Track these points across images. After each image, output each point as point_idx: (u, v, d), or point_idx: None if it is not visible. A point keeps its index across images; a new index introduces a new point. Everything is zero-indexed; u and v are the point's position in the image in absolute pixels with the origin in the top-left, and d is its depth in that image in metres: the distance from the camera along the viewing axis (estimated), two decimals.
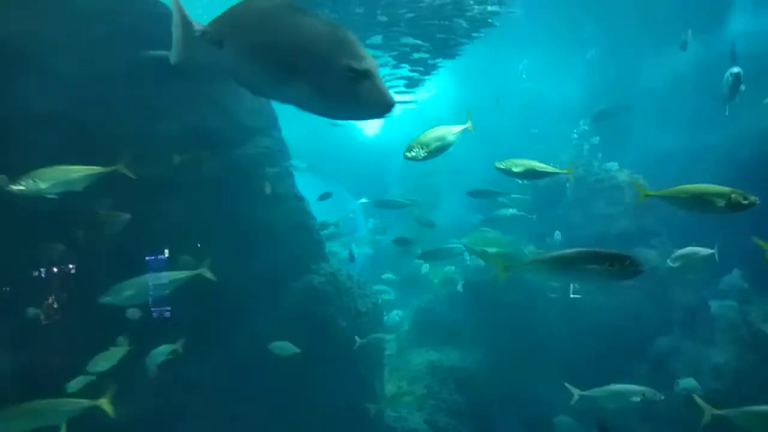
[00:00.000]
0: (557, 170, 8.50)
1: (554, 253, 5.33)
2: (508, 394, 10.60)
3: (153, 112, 7.50)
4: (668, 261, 9.25)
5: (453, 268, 13.70)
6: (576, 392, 7.80)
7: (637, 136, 16.03)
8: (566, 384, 7.96)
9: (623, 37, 15.42)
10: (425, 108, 20.70)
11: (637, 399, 7.54)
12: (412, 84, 16.23)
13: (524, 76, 17.43)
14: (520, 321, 11.47)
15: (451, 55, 14.41)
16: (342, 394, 8.56)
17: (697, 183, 6.03)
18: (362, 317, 9.01)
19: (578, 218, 13.74)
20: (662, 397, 7.75)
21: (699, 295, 11.98)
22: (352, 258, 13.29)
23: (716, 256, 8.74)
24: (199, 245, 7.61)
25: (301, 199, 9.30)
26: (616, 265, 4.79)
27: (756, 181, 11.55)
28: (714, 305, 12.07)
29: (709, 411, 6.09)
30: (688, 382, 9.43)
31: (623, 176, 13.89)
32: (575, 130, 15.84)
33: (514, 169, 7.80)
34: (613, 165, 14.34)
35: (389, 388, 10.44)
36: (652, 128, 15.87)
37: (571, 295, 9.89)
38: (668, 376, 10.10)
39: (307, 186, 11.82)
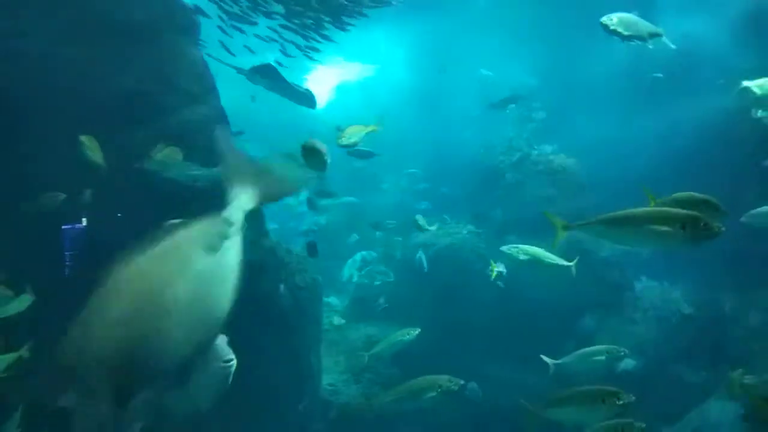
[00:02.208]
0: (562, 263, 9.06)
1: (621, 213, 4.81)
2: (442, 367, 10.87)
3: (83, 72, 7.08)
4: None
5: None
6: (551, 362, 8.17)
7: (576, 121, 16.52)
8: (542, 356, 8.30)
9: (565, 25, 15.76)
10: (375, 84, 20.69)
11: (603, 357, 7.98)
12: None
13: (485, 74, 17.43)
14: (456, 298, 11.78)
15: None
16: (278, 368, 8.52)
17: (629, 173, 6.27)
18: (301, 292, 8.96)
19: (516, 200, 14.10)
20: (626, 352, 8.29)
21: (624, 275, 12.63)
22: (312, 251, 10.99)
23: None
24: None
25: None
26: (689, 227, 4.41)
27: (689, 170, 12.48)
28: (639, 285, 12.78)
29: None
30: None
31: (559, 160, 14.36)
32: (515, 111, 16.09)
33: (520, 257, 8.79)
34: (548, 148, 14.78)
35: (326, 362, 10.51)
36: (591, 114, 16.39)
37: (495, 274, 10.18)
38: None
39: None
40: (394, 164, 18.22)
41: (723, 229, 4.37)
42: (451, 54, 17.64)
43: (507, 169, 14.60)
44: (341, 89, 23.31)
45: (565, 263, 9.23)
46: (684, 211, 4.53)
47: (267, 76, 11.22)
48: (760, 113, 10.04)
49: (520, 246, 9.48)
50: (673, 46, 6.39)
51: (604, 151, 14.79)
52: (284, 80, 11.29)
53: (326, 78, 21.78)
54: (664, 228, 4.44)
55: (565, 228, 5.25)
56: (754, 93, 8.48)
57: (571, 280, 11.79)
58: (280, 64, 12.31)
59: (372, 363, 10.54)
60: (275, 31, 12.47)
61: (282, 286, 8.52)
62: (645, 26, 6.69)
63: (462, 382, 7.80)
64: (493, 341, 11.23)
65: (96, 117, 6.98)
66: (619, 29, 6.49)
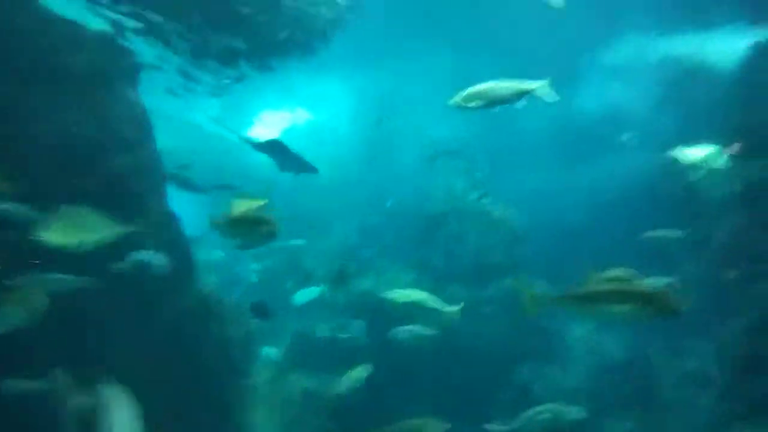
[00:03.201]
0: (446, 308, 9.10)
1: (585, 289, 4.83)
2: (382, 420, 10.68)
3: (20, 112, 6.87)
4: None
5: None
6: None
7: (514, 174, 17.14)
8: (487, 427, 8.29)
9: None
10: (322, 131, 20.90)
11: (548, 416, 8.06)
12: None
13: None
14: (396, 348, 11.69)
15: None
16: (207, 424, 8.15)
17: (563, 225, 6.37)
18: (232, 343, 8.68)
19: (457, 249, 14.38)
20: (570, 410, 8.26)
21: (557, 324, 12.96)
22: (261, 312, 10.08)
23: None
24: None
25: (171, 215, 8.85)
26: (650, 305, 4.50)
27: (617, 220, 13.20)
28: (571, 333, 13.12)
29: None
30: None
31: (498, 211, 14.82)
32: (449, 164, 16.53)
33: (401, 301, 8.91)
34: (487, 199, 15.24)
35: (259, 417, 10.11)
36: (529, 167, 17.05)
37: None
38: (531, 402, 10.73)
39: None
40: (341, 210, 18.31)
41: (685, 306, 4.50)
42: (394, 105, 18.12)
43: (448, 218, 14.93)
44: (288, 133, 23.43)
45: (448, 308, 9.24)
46: (649, 288, 4.65)
47: (274, 150, 11.14)
48: (690, 177, 10.68)
49: (401, 290, 9.50)
50: (554, 99, 6.10)
51: (540, 203, 15.39)
52: (291, 153, 11.20)
53: (274, 122, 21.91)
54: (630, 306, 4.52)
55: (534, 300, 5.19)
56: (685, 160, 9.20)
57: (507, 330, 12.04)
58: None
59: (308, 417, 10.25)
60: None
61: (211, 337, 8.26)
62: (509, 88, 6.34)
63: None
64: (432, 392, 11.16)
65: (30, 161, 6.79)
66: (470, 104, 6.34)
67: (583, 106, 15.15)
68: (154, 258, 7.30)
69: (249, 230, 5.40)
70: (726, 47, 12.59)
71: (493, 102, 6.33)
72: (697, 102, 12.80)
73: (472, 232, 14.64)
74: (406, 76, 16.60)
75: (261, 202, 5.85)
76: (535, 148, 16.58)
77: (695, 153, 9.29)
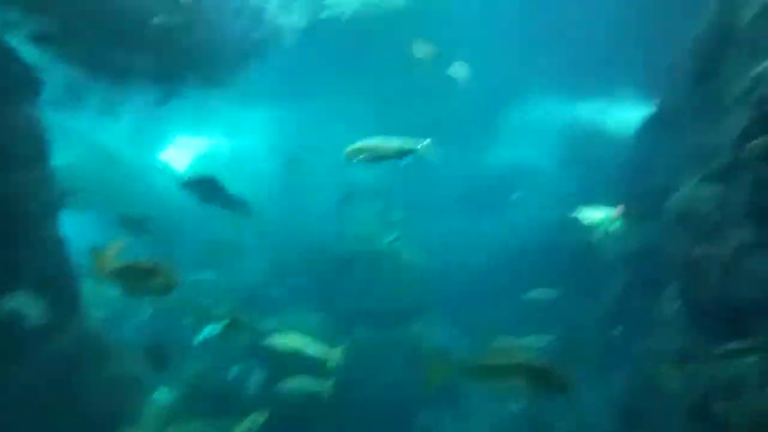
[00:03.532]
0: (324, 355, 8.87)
1: (489, 361, 4.92)
2: None
3: None
4: None
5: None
6: None
7: (427, 218, 17.46)
8: None
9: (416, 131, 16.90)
10: (238, 162, 20.43)
11: None
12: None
13: None
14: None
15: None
16: None
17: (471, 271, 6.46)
18: (118, 389, 8.02)
19: (365, 292, 14.32)
20: None
21: None
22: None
23: None
24: None
25: (60, 242, 8.17)
26: (545, 381, 4.67)
27: (521, 271, 13.76)
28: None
29: None
30: None
31: (408, 255, 14.97)
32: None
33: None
34: (401, 243, 15.36)
35: None
36: (442, 212, 17.43)
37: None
38: None
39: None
40: (252, 244, 17.78)
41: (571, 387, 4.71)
42: (314, 141, 18.10)
43: (360, 260, 14.88)
44: (203, 161, 22.79)
45: (330, 355, 9.09)
46: (544, 366, 4.76)
47: (206, 188, 10.23)
48: (588, 236, 11.28)
49: (284, 336, 9.25)
50: (437, 158, 6.39)
51: (450, 250, 15.75)
52: (224, 191, 10.36)
53: (190, 147, 21.31)
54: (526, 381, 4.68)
55: (438, 369, 5.29)
56: (585, 220, 9.76)
57: (409, 375, 11.98)
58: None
59: None
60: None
61: (94, 381, 7.58)
62: (392, 146, 6.58)
63: None
64: None
65: None
66: (355, 158, 6.58)
67: (494, 161, 15.88)
68: (28, 306, 6.62)
69: (138, 282, 4.61)
70: (624, 116, 13.71)
71: (377, 158, 6.55)
72: (595, 164, 13.72)
73: (382, 275, 14.67)
74: (327, 113, 16.68)
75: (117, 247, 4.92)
76: (447, 197, 17.02)
77: (594, 215, 9.92)
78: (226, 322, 11.58)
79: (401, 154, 6.54)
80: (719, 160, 7.25)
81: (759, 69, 6.39)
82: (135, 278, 4.56)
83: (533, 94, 14.72)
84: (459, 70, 8.24)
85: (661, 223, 9.27)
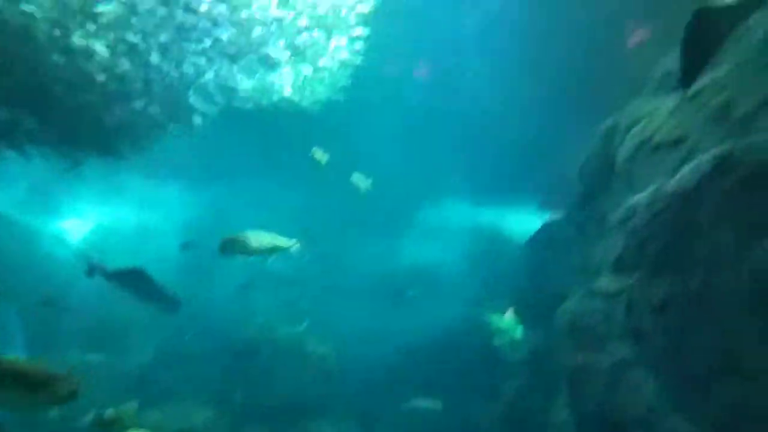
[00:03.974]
0: None
1: None
2: None
3: None
4: None
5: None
6: None
7: (337, 312, 17.34)
8: None
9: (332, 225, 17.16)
10: (144, 235, 19.60)
11: None
12: None
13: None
14: None
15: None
16: None
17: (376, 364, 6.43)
18: None
19: (265, 384, 13.78)
20: None
21: None
22: None
23: None
24: None
25: None
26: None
27: (426, 366, 13.82)
28: None
29: None
30: None
31: (312, 345, 14.67)
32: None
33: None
34: (304, 333, 15.07)
35: None
36: (350, 305, 17.39)
37: None
38: None
39: None
40: (146, 326, 16.74)
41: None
42: (220, 223, 17.82)
43: (260, 350, 14.38)
44: (104, 230, 21.70)
45: None
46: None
47: (132, 281, 9.34)
48: (496, 341, 11.60)
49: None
50: (305, 256, 6.72)
51: (357, 343, 15.63)
52: (154, 284, 9.52)
53: (92, 217, 20.33)
54: None
55: None
56: (488, 325, 10.14)
57: None
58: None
59: None
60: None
61: None
62: (261, 241, 6.73)
63: None
64: None
65: None
66: (225, 250, 6.65)
67: (403, 258, 16.31)
68: None
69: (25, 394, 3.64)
70: (523, 224, 14.68)
71: (246, 252, 6.64)
72: (496, 267, 14.44)
73: (285, 366, 14.21)
74: (238, 197, 16.63)
75: None
76: (357, 289, 17.12)
77: (499, 320, 10.36)
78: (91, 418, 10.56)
79: (269, 250, 6.73)
80: (601, 279, 7.85)
81: (633, 200, 7.14)
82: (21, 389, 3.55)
83: (443, 197, 15.52)
84: (360, 181, 8.70)
85: (554, 331, 9.75)
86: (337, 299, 16.82)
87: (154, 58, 9.64)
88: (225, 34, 9.65)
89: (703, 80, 6.76)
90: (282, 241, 6.74)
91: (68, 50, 8.93)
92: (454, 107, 12.36)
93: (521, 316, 10.84)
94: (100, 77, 9.57)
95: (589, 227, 9.46)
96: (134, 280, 9.56)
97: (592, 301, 8.22)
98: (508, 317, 10.48)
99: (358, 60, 10.88)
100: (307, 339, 14.78)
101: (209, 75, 10.66)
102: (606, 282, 7.63)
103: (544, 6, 8.64)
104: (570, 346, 8.52)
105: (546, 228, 12.54)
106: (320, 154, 8.28)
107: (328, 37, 10.33)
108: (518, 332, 10.61)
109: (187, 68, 10.32)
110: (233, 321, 14.97)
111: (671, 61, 7.90)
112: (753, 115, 5.94)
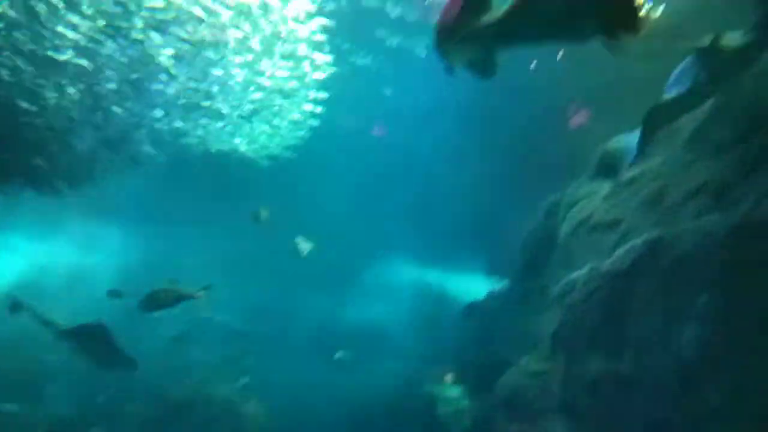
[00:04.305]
0: None
1: None
2: None
3: None
4: None
5: None
6: None
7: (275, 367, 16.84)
8: None
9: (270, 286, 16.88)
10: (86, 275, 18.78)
11: None
12: None
13: None
14: None
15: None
16: None
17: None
18: None
19: None
20: None
21: None
22: None
23: None
24: None
25: None
26: None
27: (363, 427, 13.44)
28: None
29: None
30: None
31: (249, 405, 14.12)
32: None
33: None
34: (242, 391, 14.52)
35: None
36: (292, 362, 16.95)
37: None
38: None
39: None
40: (67, 373, 15.74)
41: None
42: (160, 269, 17.33)
43: (193, 406, 13.70)
44: (37, 268, 20.68)
45: None
46: None
47: (89, 338, 8.69)
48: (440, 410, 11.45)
49: None
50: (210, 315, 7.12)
51: (296, 403, 15.17)
52: (113, 344, 8.83)
53: (28, 254, 19.43)
54: None
55: None
56: (438, 392, 10.06)
57: None
58: None
59: None
60: None
61: None
62: (170, 293, 7.19)
63: None
64: None
65: None
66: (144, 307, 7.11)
67: (349, 316, 16.16)
68: None
69: None
70: (469, 288, 14.88)
71: (158, 305, 7.02)
72: (441, 331, 14.46)
73: (219, 425, 13.57)
74: (177, 244, 16.31)
75: None
76: (298, 348, 16.78)
77: (444, 389, 10.30)
78: None
79: (178, 299, 7.07)
80: (540, 352, 7.99)
81: (572, 276, 7.39)
82: None
83: (390, 258, 15.66)
84: (302, 243, 8.79)
85: (494, 400, 9.75)
86: (279, 357, 16.41)
87: (105, 102, 9.56)
88: (178, 87, 9.66)
89: (637, 168, 7.22)
90: (190, 291, 7.08)
91: (22, 91, 8.78)
92: (407, 171, 12.67)
93: (465, 383, 10.81)
94: (38, 120, 9.40)
95: (531, 298, 9.67)
96: (93, 340, 8.88)
97: (530, 374, 8.32)
98: (453, 385, 10.44)
99: (313, 122, 11.05)
100: (245, 398, 14.22)
101: (160, 123, 10.61)
102: (543, 356, 7.76)
103: (491, 92, 9.09)
104: (506, 417, 8.52)
105: (491, 295, 12.72)
106: (264, 213, 8.28)
107: (285, 99, 10.46)
108: (463, 402, 10.56)
109: (137, 114, 10.25)
110: (165, 376, 14.23)
111: (608, 147, 8.42)
112: (682, 204, 6.36)
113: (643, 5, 2.73)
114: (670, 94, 5.76)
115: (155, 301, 6.86)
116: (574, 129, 9.09)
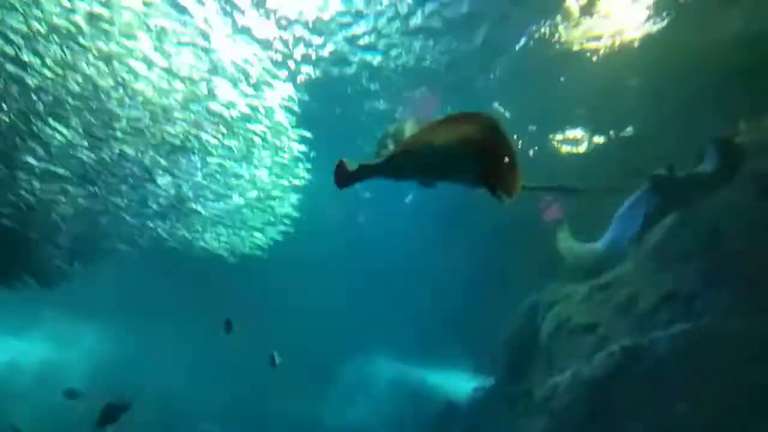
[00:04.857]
0: None
1: None
2: None
3: None
4: None
5: None
6: None
7: None
8: None
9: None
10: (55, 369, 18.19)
11: None
12: None
13: None
14: None
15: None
16: None
17: None
18: None
19: None
20: None
21: None
22: None
23: None
24: None
25: None
26: None
27: None
28: None
29: None
30: None
31: None
32: None
33: None
34: None
35: None
36: None
37: None
38: None
39: None
40: None
41: None
42: (131, 363, 16.94)
43: None
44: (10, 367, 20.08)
45: None
46: None
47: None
48: None
49: None
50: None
51: None
52: None
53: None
54: None
55: None
56: None
57: None
58: None
59: None
60: None
61: None
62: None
63: None
64: None
65: None
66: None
67: (328, 415, 15.69)
68: None
69: None
70: (457, 386, 14.57)
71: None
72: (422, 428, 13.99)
73: None
74: (150, 341, 16.06)
75: None
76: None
77: None
78: None
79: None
80: None
81: (554, 380, 7.45)
82: None
83: (370, 355, 15.47)
84: (276, 357, 8.80)
85: None
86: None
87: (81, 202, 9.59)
88: (157, 191, 9.68)
89: (611, 273, 7.56)
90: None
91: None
92: (388, 269, 12.79)
93: None
94: (14, 223, 9.48)
95: (516, 400, 9.57)
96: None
97: None
98: None
99: (290, 223, 11.17)
100: None
101: (135, 221, 10.64)
102: None
103: (468, 205, 9.43)
104: None
105: (475, 394, 12.49)
106: (237, 324, 8.28)
107: (261, 202, 10.62)
108: None
109: (112, 216, 10.26)
110: None
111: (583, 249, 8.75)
112: (654, 310, 6.62)
113: (514, 169, 2.61)
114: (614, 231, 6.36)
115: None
116: (551, 229, 9.41)
